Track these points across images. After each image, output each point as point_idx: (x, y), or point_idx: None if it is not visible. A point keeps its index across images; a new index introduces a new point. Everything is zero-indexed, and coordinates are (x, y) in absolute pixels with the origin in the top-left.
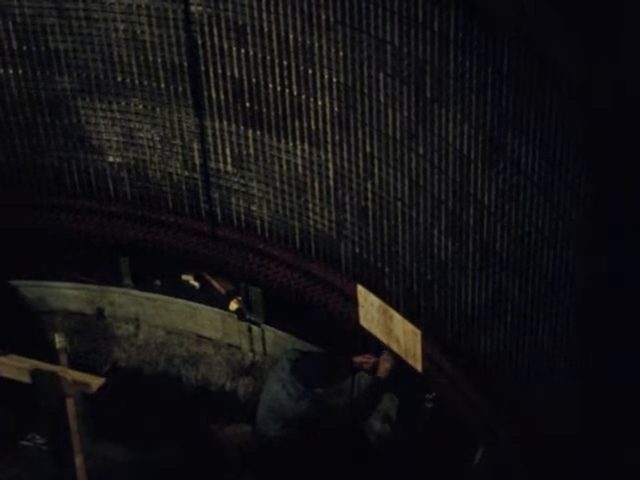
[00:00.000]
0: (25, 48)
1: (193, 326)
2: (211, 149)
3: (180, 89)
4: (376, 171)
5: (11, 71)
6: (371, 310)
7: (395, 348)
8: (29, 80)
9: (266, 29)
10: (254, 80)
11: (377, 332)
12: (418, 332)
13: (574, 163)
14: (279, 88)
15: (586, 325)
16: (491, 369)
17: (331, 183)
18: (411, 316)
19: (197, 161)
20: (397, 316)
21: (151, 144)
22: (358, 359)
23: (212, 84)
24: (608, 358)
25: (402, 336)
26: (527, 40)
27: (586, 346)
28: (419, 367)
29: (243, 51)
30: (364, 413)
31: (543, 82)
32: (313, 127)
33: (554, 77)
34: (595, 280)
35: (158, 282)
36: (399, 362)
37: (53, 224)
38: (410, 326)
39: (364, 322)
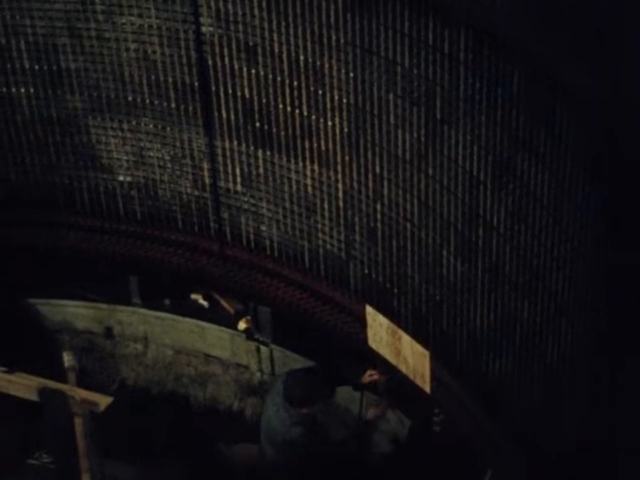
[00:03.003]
0: (37, 67)
1: (202, 345)
2: (221, 169)
3: (191, 109)
4: (385, 192)
5: (23, 90)
6: (380, 331)
7: (404, 369)
8: (40, 99)
9: (277, 50)
10: (264, 100)
11: (385, 353)
12: (427, 353)
13: (584, 185)
14: (289, 109)
15: (596, 346)
16: (499, 390)
17: (340, 203)
18: (420, 337)
19: (207, 180)
20: (406, 337)
21: (161, 163)
22: (365, 377)
23: (222, 104)
24: (619, 380)
25: (411, 357)
26: (537, 62)
27: (596, 368)
28: (427, 388)
29: (254, 71)
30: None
31: (553, 104)
32: (323, 148)
33: (564, 99)
34: (604, 302)
35: (167, 301)
36: (408, 383)
37: (62, 242)
38: (419, 347)
39: (372, 343)
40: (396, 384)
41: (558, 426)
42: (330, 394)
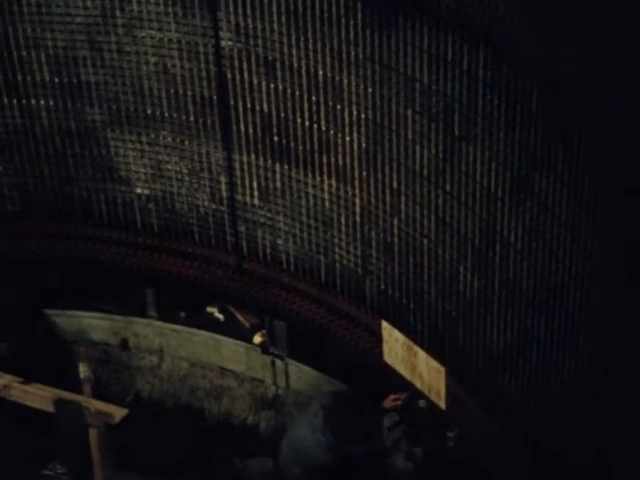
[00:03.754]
0: (57, 79)
1: (217, 359)
2: (238, 182)
3: (209, 122)
4: (402, 207)
5: (42, 102)
6: (395, 346)
7: (419, 385)
8: (60, 111)
9: (296, 65)
10: (283, 115)
11: (401, 368)
12: (442, 369)
13: (602, 203)
14: (307, 123)
15: (613, 365)
16: (516, 408)
17: (357, 218)
18: (436, 353)
19: (224, 194)
20: (421, 353)
21: (179, 176)
22: (387, 402)
23: (241, 118)
24: (636, 397)
25: (426, 373)
26: (556, 79)
27: (613, 386)
28: (443, 404)
29: (272, 86)
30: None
31: (572, 121)
32: (340, 162)
33: (583, 116)
34: (622, 320)
35: (182, 314)
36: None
37: (79, 254)
38: (434, 363)
39: (388, 358)
40: (411, 401)
41: (575, 443)
42: (378, 427)
